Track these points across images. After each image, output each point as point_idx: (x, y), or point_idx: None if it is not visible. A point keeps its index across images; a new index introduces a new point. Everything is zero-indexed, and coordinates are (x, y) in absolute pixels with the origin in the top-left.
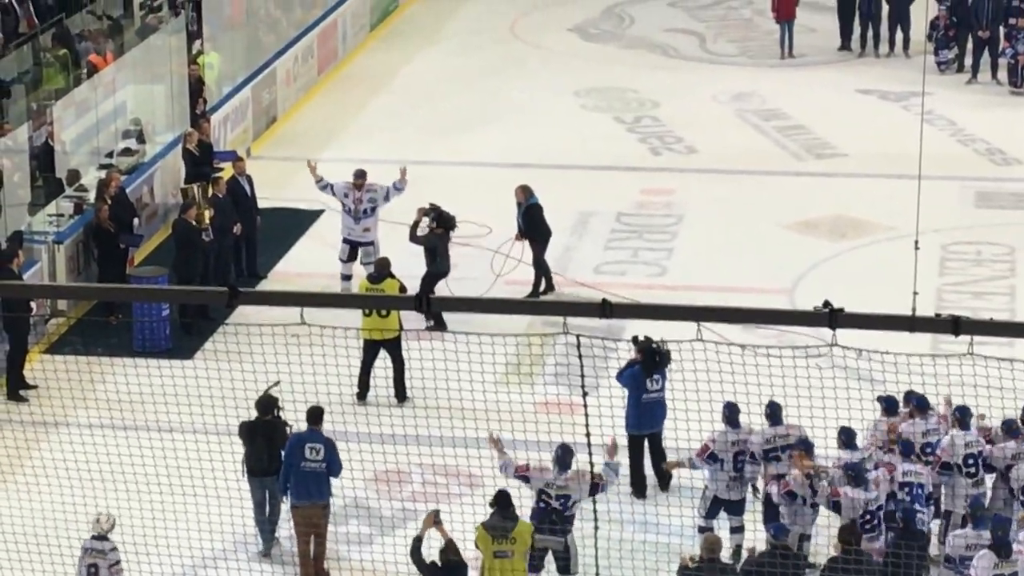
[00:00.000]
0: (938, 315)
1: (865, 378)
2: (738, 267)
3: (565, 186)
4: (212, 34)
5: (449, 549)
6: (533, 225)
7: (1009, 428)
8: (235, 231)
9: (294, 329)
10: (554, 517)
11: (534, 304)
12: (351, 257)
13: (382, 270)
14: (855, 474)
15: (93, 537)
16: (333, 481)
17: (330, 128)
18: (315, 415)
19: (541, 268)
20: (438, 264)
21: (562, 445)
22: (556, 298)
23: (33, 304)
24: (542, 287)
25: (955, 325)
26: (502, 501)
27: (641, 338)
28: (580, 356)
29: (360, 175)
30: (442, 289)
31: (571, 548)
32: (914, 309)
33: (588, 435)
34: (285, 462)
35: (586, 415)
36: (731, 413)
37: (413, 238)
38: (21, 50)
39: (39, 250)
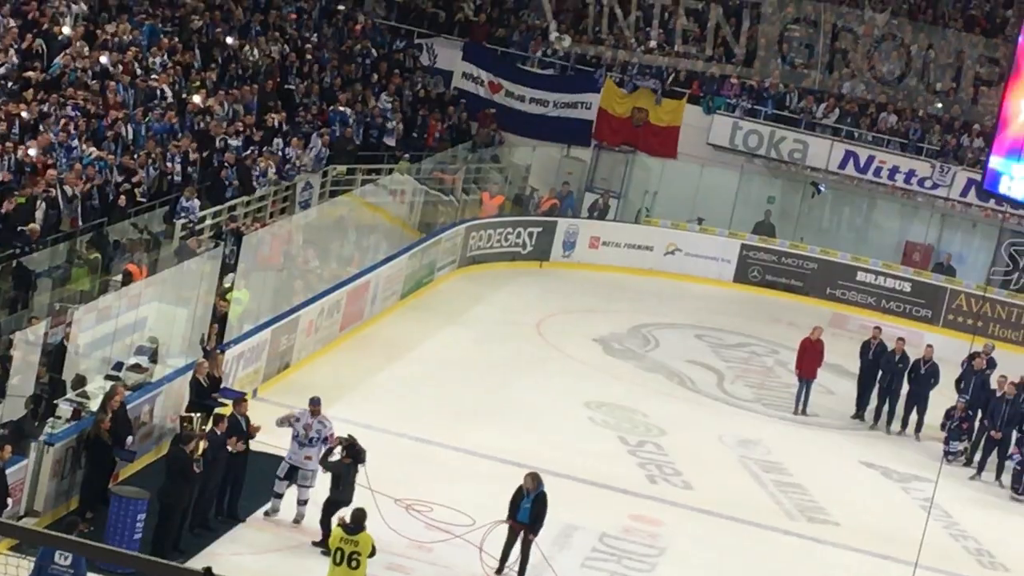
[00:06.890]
0: None
1: None
2: None
3: (555, 495)
4: (246, 270)
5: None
6: (537, 514)
7: None
8: (229, 448)
9: None
10: None
11: None
12: (288, 476)
13: (359, 522)
14: None
15: None
16: None
17: (340, 386)
18: (67, 525)
19: (526, 556)
20: (340, 492)
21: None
22: None
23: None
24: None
25: None
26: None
27: None
28: None
29: (315, 402)
30: None
31: None
32: None
33: None
34: (37, 567)
35: None
36: None
37: (323, 463)
38: (56, 247)
39: (28, 447)
